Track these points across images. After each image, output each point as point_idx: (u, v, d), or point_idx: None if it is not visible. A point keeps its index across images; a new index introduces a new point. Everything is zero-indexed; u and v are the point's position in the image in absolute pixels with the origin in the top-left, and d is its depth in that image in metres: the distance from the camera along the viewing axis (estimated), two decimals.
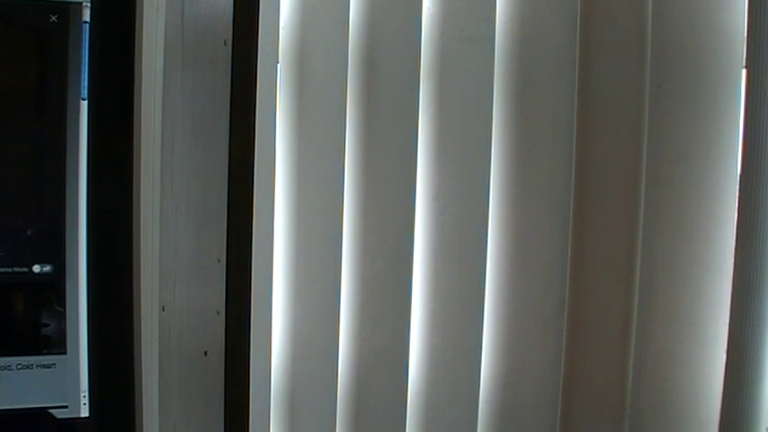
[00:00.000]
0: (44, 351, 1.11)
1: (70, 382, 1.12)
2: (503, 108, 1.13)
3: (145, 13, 1.17)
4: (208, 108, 1.25)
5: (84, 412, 1.13)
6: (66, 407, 1.12)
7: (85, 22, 1.11)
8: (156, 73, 1.19)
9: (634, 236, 1.03)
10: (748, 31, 0.93)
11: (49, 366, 1.11)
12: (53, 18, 1.09)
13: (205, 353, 1.27)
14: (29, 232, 1.11)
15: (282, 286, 1.33)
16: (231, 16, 1.26)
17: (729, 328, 0.94)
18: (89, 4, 1.11)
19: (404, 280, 1.20)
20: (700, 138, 0.99)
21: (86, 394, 1.13)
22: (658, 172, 1.01)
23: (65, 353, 1.12)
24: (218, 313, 1.27)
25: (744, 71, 0.94)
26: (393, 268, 1.22)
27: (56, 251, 1.11)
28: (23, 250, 1.11)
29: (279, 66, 1.29)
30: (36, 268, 1.11)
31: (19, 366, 1.10)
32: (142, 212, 1.18)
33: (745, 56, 0.94)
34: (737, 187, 0.94)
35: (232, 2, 1.26)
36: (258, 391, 1.28)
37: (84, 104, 1.11)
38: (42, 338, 1.11)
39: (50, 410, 1.12)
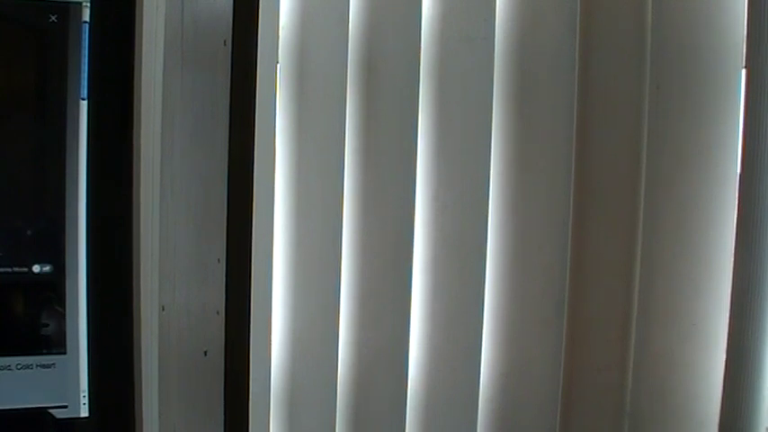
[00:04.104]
0: (44, 351, 1.11)
1: (70, 382, 1.12)
2: (503, 108, 1.13)
3: (145, 13, 1.17)
4: (208, 108, 1.25)
5: (84, 412, 1.13)
6: (65, 407, 1.12)
7: (85, 22, 1.11)
8: (156, 73, 1.19)
9: (634, 236, 1.03)
10: (748, 31, 0.93)
11: (48, 366, 1.11)
12: (53, 18, 1.09)
13: (205, 353, 1.27)
14: (29, 232, 1.11)
15: (282, 286, 1.33)
16: (231, 16, 1.26)
17: (729, 328, 0.94)
18: (89, 4, 1.11)
19: (404, 280, 1.20)
20: (700, 138, 0.99)
21: (86, 394, 1.13)
22: (658, 172, 1.01)
23: (65, 353, 1.12)
24: (218, 313, 1.27)
25: (744, 71, 0.94)
26: (393, 268, 1.22)
27: (56, 251, 1.11)
28: (23, 250, 1.11)
29: (279, 66, 1.29)
30: (36, 268, 1.11)
31: (19, 366, 1.10)
32: (142, 212, 1.18)
33: (745, 56, 0.94)
34: (737, 187, 0.94)
35: (232, 2, 1.26)
36: (258, 391, 1.28)
37: (84, 104, 1.11)
38: (42, 338, 1.11)
39: (50, 410, 1.12)
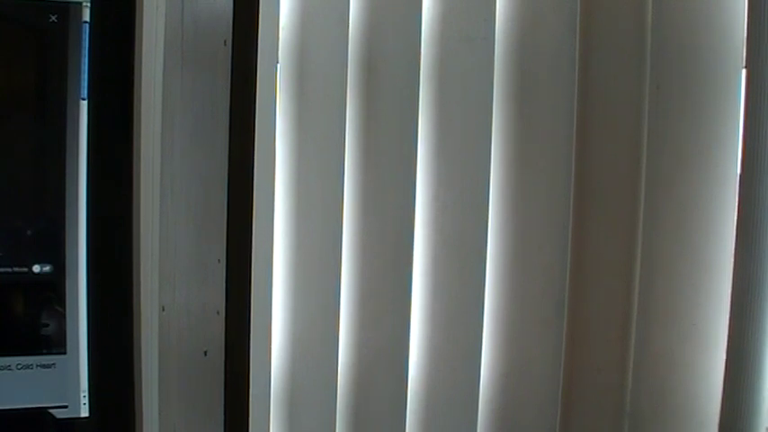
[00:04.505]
0: (44, 351, 1.11)
1: (70, 382, 1.12)
2: (503, 108, 1.13)
3: (145, 13, 1.17)
4: (208, 108, 1.25)
5: (84, 412, 1.13)
6: (66, 407, 1.12)
7: (85, 22, 1.11)
8: (156, 73, 1.19)
9: (634, 236, 1.03)
10: (748, 31, 0.93)
11: (48, 366, 1.11)
12: (53, 18, 1.09)
13: (205, 353, 1.27)
14: (29, 232, 1.11)
15: (282, 286, 1.33)
16: (231, 16, 1.26)
17: (729, 328, 0.94)
18: (89, 4, 1.11)
19: (404, 280, 1.20)
20: (700, 138, 0.99)
21: (86, 394, 1.13)
22: (658, 172, 1.01)
23: (65, 353, 1.12)
24: (218, 313, 1.27)
25: (744, 71, 0.94)
26: (393, 268, 1.22)
27: (56, 251, 1.11)
28: (23, 250, 1.11)
29: (279, 66, 1.29)
30: (36, 268, 1.11)
31: (19, 366, 1.10)
32: (142, 212, 1.18)
33: (745, 56, 0.94)
34: (737, 187, 0.94)
35: (232, 2, 1.26)
36: (258, 391, 1.28)
37: (84, 104, 1.11)
38: (42, 338, 1.11)
39: (50, 410, 1.12)
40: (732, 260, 0.94)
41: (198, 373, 1.27)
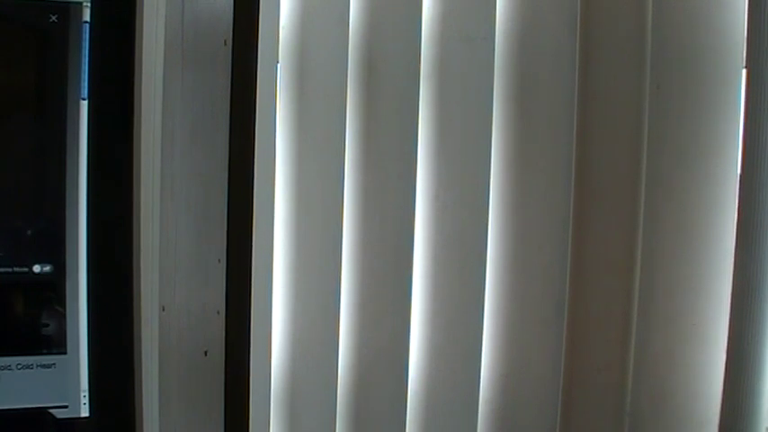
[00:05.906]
0: (44, 351, 1.11)
1: (70, 382, 1.12)
2: (503, 108, 1.13)
3: (145, 13, 1.17)
4: (208, 108, 1.25)
5: (84, 412, 1.13)
6: (66, 407, 1.12)
7: (85, 22, 1.11)
8: (156, 73, 1.19)
9: (634, 236, 1.03)
10: (748, 31, 0.93)
11: (49, 366, 1.11)
12: (53, 18, 1.10)
13: (205, 353, 1.27)
14: (29, 232, 1.11)
15: (282, 286, 1.33)
16: (231, 16, 1.26)
17: (729, 328, 0.94)
18: (89, 4, 1.11)
19: (404, 280, 1.20)
20: (700, 138, 0.99)
21: (86, 394, 1.13)
22: (658, 172, 1.01)
23: (65, 353, 1.12)
24: (218, 313, 1.27)
25: (744, 71, 0.94)
26: (393, 268, 1.22)
27: (56, 251, 1.11)
28: (23, 250, 1.11)
29: (279, 66, 1.29)
30: (36, 268, 1.11)
31: (19, 366, 1.10)
32: (142, 212, 1.19)
33: (745, 56, 0.94)
34: (737, 187, 0.94)
35: (232, 2, 1.26)
36: (258, 391, 1.28)
37: (84, 104, 1.11)
38: (42, 338, 1.11)
39: (50, 410, 1.12)
40: (732, 261, 0.94)
41: (198, 373, 1.27)
